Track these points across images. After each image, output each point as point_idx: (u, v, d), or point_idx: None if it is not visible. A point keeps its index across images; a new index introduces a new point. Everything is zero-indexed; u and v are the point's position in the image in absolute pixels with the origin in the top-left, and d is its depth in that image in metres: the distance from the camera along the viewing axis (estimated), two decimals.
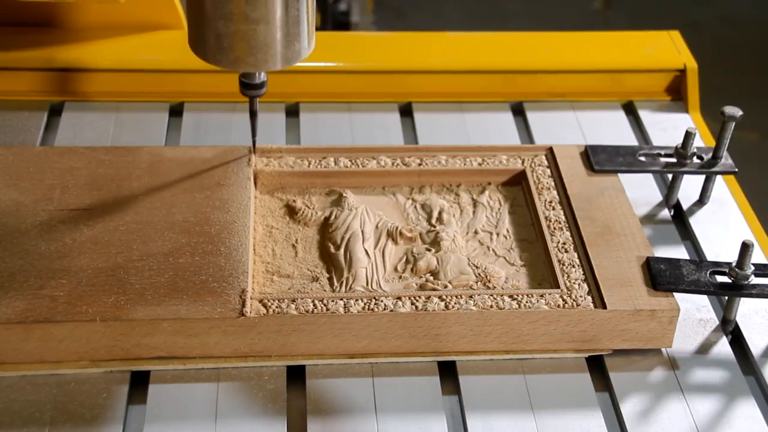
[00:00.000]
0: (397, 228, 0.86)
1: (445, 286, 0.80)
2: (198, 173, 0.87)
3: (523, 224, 0.88)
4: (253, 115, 0.87)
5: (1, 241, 0.80)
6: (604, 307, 0.77)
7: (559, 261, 0.82)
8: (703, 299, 0.84)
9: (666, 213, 0.94)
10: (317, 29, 0.80)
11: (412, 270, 0.83)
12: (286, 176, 0.90)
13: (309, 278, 0.81)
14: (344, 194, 0.89)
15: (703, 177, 0.94)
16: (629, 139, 1.05)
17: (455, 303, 0.77)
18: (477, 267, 0.83)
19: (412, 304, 0.77)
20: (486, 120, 1.06)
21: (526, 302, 0.77)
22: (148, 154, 0.90)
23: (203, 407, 0.73)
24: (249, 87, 0.85)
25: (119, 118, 1.02)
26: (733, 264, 0.79)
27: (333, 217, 0.87)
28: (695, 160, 0.92)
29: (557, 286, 0.79)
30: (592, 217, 0.86)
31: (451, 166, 0.91)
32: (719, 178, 0.96)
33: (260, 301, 0.76)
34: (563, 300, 0.78)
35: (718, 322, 0.82)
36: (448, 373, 0.77)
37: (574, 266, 0.81)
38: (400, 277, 0.82)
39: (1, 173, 0.86)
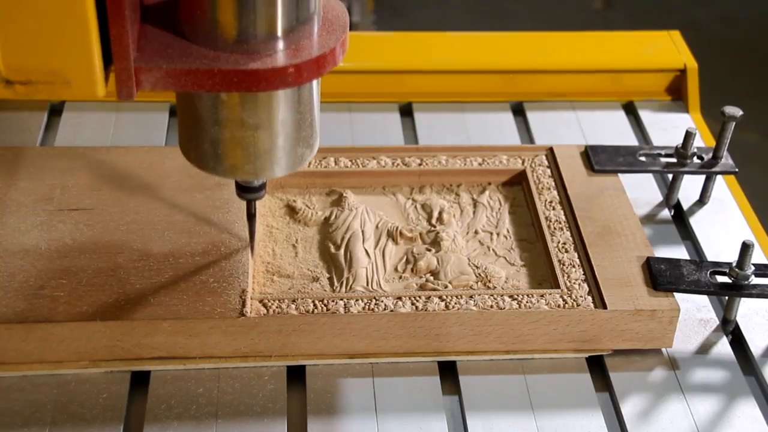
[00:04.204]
0: (397, 228, 0.86)
1: (446, 287, 0.80)
2: (198, 173, 0.87)
3: (524, 224, 0.88)
4: (251, 218, 0.79)
5: (1, 241, 0.80)
6: (605, 307, 0.77)
7: (559, 261, 0.82)
8: (704, 299, 0.84)
9: (666, 213, 0.94)
10: None
11: (412, 270, 0.82)
12: (286, 176, 0.90)
13: (309, 278, 0.81)
14: (344, 194, 0.89)
15: (703, 177, 0.94)
16: (629, 139, 1.04)
17: (455, 303, 0.77)
18: (477, 267, 0.83)
19: (413, 304, 0.77)
20: (486, 120, 1.06)
21: (527, 302, 0.77)
22: (148, 154, 0.90)
23: (203, 407, 0.73)
24: (246, 190, 0.76)
25: (119, 118, 1.02)
26: (734, 264, 0.79)
27: (333, 217, 0.87)
28: (695, 160, 0.92)
29: (557, 287, 0.79)
30: (592, 217, 0.86)
31: (451, 166, 0.91)
32: (719, 178, 0.96)
33: (260, 301, 0.76)
34: (563, 300, 0.78)
35: (718, 322, 0.82)
36: (448, 373, 0.77)
37: (574, 266, 0.81)
38: (401, 277, 0.82)
39: (1, 173, 0.86)
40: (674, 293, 0.78)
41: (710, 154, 0.92)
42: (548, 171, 0.91)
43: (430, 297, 0.77)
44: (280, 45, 0.64)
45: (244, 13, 0.63)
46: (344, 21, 0.67)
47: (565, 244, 0.83)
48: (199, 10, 0.64)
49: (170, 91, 0.64)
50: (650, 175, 0.97)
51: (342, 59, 0.67)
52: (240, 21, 0.63)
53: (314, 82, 0.69)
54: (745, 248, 0.78)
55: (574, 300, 0.78)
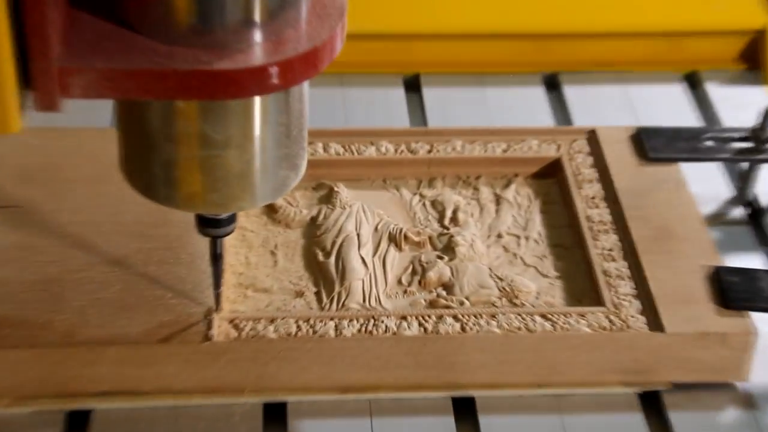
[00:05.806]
0: (401, 231, 0.86)
1: (461, 303, 0.80)
2: None
3: (559, 226, 0.88)
4: (216, 259, 0.74)
5: None
6: (662, 330, 0.77)
7: (603, 272, 0.82)
8: None
9: (739, 212, 0.94)
10: None
11: (419, 283, 0.82)
12: None
13: (291, 293, 0.81)
14: (336, 188, 0.89)
15: None
16: (692, 119, 1.05)
17: (474, 324, 0.77)
18: (501, 279, 0.82)
19: (420, 325, 0.76)
20: (512, 96, 1.07)
21: (563, 323, 0.77)
22: (91, 137, 0.89)
23: None
24: (210, 224, 0.71)
25: None
26: None
27: (322, 217, 0.87)
28: None
29: (601, 304, 0.79)
30: (645, 216, 0.85)
31: (468, 154, 0.91)
32: None
33: (231, 322, 0.76)
34: (609, 321, 0.78)
35: None
36: (465, 411, 0.77)
37: (622, 278, 0.81)
38: (405, 292, 0.82)
39: None
40: (750, 312, 0.78)
41: None
42: (590, 159, 0.91)
43: (442, 316, 0.77)
44: (257, 36, 0.59)
45: None
46: (341, 1, 0.64)
47: (611, 250, 0.83)
48: None
49: (108, 98, 0.58)
50: (719, 165, 0.97)
51: (339, 52, 0.62)
52: (202, 1, 0.58)
53: (303, 84, 0.65)
54: None
55: (622, 321, 0.78)
